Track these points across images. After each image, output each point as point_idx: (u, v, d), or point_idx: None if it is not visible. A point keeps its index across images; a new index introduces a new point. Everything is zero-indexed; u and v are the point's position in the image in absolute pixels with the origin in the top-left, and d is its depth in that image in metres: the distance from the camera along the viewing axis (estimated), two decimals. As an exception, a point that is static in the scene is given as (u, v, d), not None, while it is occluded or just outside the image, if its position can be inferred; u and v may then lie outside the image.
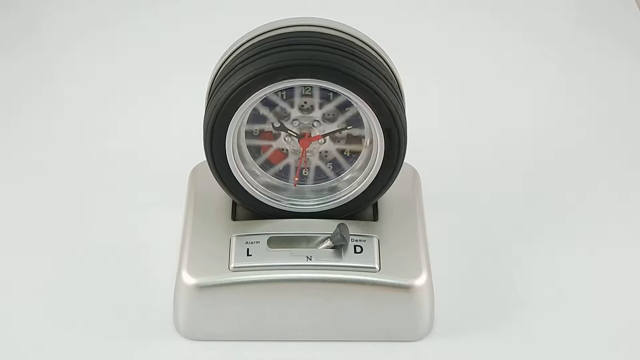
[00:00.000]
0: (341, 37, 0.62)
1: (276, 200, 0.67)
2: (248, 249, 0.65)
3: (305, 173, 0.68)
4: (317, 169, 0.68)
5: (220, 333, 0.66)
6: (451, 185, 0.81)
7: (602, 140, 0.88)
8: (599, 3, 1.09)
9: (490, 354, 0.66)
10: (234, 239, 0.66)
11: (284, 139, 0.66)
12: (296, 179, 0.67)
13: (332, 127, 0.65)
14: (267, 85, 0.60)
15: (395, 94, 0.63)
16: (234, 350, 0.66)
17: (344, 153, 0.67)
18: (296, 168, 0.67)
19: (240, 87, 0.60)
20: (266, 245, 0.65)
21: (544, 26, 1.05)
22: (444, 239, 0.74)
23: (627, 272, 0.73)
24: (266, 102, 0.63)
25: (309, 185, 0.68)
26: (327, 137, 0.66)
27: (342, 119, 0.65)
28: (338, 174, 0.68)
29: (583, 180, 0.83)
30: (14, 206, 0.79)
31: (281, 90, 0.63)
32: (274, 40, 0.61)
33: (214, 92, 0.63)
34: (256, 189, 0.67)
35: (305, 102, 0.64)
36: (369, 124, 0.64)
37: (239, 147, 0.65)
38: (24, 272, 0.72)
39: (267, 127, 0.65)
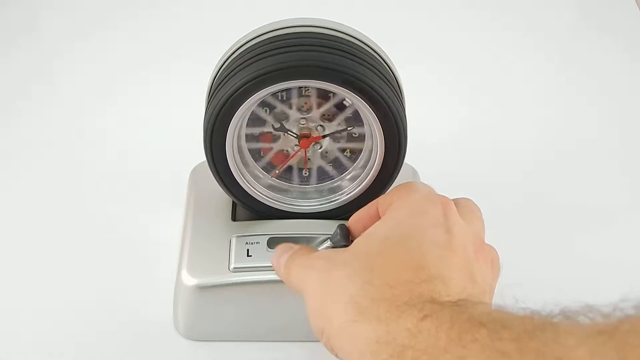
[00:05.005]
0: (341, 38, 0.62)
1: (276, 201, 0.67)
2: (248, 250, 0.65)
3: (306, 173, 0.68)
4: (319, 169, 0.68)
5: (220, 333, 0.66)
6: (451, 185, 0.81)
7: (602, 141, 0.88)
8: (599, 3, 1.09)
9: (490, 354, 0.66)
10: (233, 240, 0.66)
11: (285, 134, 0.66)
12: (277, 172, 0.67)
13: (331, 126, 0.65)
14: (267, 86, 0.60)
15: (395, 94, 0.63)
16: (234, 350, 0.66)
17: (345, 153, 0.67)
18: (284, 163, 0.67)
19: (241, 89, 0.60)
20: (266, 245, 0.65)
21: (544, 26, 1.05)
22: (444, 239, 0.74)
23: (627, 273, 0.73)
24: (265, 103, 0.63)
25: (309, 186, 0.68)
26: (328, 138, 0.66)
27: (342, 117, 0.65)
28: (340, 173, 0.68)
29: (584, 180, 0.83)
30: (13, 207, 0.79)
31: (281, 91, 0.63)
32: (275, 42, 0.61)
33: (215, 93, 0.63)
34: (256, 189, 0.66)
35: (306, 103, 0.64)
36: (368, 124, 0.64)
37: (239, 147, 0.65)
38: (23, 272, 0.72)
39: (267, 128, 0.65)
